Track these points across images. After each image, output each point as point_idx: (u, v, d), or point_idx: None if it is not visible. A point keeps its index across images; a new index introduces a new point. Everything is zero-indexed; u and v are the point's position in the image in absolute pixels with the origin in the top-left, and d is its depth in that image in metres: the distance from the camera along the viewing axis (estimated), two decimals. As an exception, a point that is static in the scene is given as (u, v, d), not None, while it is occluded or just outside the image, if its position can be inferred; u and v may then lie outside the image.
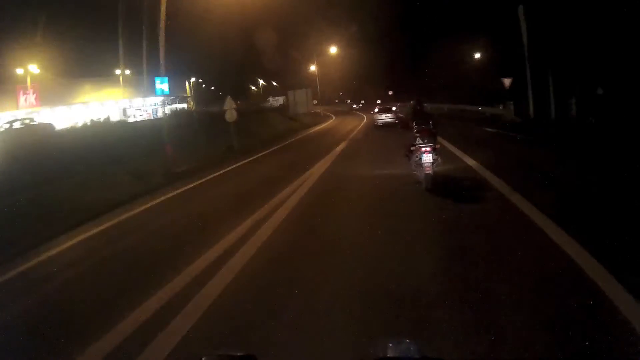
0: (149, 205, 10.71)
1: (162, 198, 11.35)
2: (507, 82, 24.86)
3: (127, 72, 52.06)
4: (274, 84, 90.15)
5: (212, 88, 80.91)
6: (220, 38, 58.75)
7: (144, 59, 32.77)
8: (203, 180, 13.69)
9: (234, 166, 16.30)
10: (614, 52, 20.52)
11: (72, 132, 21.59)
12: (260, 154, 19.57)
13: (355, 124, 36.85)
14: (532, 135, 17.94)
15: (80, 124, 26.47)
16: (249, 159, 18.08)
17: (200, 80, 79.57)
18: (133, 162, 15.91)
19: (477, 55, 41.33)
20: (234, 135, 20.65)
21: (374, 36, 76.95)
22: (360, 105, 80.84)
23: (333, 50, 59.63)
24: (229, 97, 21.09)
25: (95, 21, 50.84)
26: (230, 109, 20.61)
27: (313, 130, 35.01)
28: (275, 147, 22.21)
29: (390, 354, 1.43)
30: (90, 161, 15.30)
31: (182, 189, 12.40)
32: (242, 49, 68.27)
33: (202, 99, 63.11)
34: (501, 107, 27.29)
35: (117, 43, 52.24)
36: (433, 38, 51.35)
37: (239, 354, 1.40)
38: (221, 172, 15.14)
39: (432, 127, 9.90)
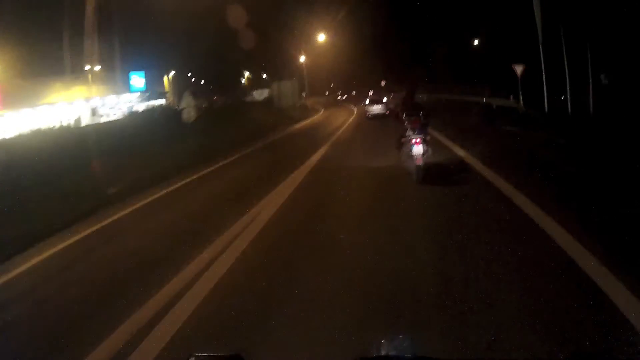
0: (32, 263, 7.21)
1: (57, 248, 7.78)
2: (519, 69, 20.79)
3: (98, 68, 48.48)
4: (264, 76, 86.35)
5: (202, 82, 78.24)
6: (206, 30, 55.09)
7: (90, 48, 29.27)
8: (133, 208, 10.18)
9: (183, 182, 12.73)
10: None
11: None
12: (228, 160, 16.06)
13: (344, 119, 33.41)
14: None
15: (23, 131, 22.74)
16: (211, 169, 14.57)
17: (190, 74, 76.36)
18: (64, 181, 12.89)
19: (476, 42, 37.63)
20: (192, 138, 17.16)
21: (367, 23, 72.97)
22: (345, 97, 77.69)
23: (322, 38, 55.66)
24: (186, 93, 17.67)
25: (64, 16, 47.06)
26: (188, 107, 17.10)
27: (298, 125, 31.54)
28: (248, 150, 18.56)
29: (383, 351, 1.37)
30: (11, 184, 12.33)
31: (95, 227, 8.84)
32: (231, 41, 64.41)
33: (191, 93, 59.61)
34: (511, 99, 23.24)
35: (88, 38, 48.69)
36: (431, 25, 47.33)
37: (225, 354, 1.36)
38: (163, 192, 11.61)
39: (423, 118, 9.66)
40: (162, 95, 53.20)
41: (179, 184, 12.49)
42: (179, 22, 48.40)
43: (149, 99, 49.36)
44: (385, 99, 31.64)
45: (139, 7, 44.77)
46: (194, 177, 13.35)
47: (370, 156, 13.54)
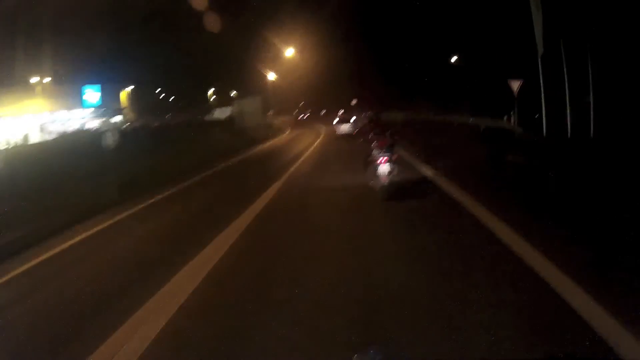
0: None
1: None
2: (515, 85, 18.09)
3: (47, 79, 44.36)
4: (233, 94, 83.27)
5: (171, 99, 75.30)
6: (168, 44, 51.83)
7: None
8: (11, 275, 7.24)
9: (89, 233, 9.58)
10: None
11: None
12: (150, 202, 12.61)
13: (310, 140, 31.03)
14: None
15: None
16: (135, 209, 11.57)
17: (159, 90, 72.98)
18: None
19: (455, 59, 35.22)
20: (113, 171, 13.78)
21: (339, 42, 70.62)
22: (307, 116, 75.47)
23: (290, 53, 52.47)
24: (110, 114, 14.29)
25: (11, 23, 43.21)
26: (108, 131, 13.75)
27: (258, 148, 28.80)
28: (183, 185, 15.10)
29: None
30: None
31: None
32: (199, 57, 61.38)
33: (159, 109, 56.30)
34: (505, 119, 20.32)
35: (40, 46, 44.68)
36: (407, 43, 44.53)
37: None
38: (46, 256, 8.36)
39: (389, 138, 9.88)
40: (118, 111, 49.22)
41: (72, 241, 9.27)
42: (139, 34, 45.02)
43: (103, 115, 45.49)
44: (354, 118, 31.98)
45: (94, 18, 41.33)
46: (94, 230, 9.94)
47: (334, 193, 11.08)
